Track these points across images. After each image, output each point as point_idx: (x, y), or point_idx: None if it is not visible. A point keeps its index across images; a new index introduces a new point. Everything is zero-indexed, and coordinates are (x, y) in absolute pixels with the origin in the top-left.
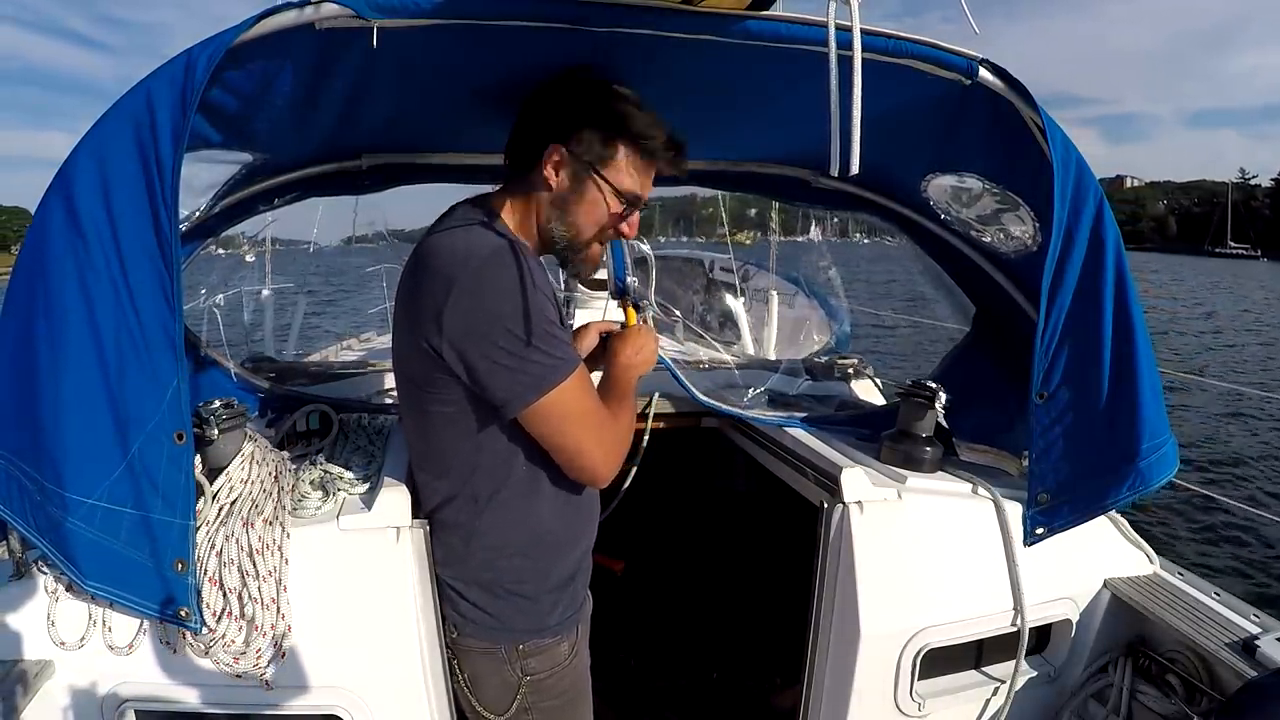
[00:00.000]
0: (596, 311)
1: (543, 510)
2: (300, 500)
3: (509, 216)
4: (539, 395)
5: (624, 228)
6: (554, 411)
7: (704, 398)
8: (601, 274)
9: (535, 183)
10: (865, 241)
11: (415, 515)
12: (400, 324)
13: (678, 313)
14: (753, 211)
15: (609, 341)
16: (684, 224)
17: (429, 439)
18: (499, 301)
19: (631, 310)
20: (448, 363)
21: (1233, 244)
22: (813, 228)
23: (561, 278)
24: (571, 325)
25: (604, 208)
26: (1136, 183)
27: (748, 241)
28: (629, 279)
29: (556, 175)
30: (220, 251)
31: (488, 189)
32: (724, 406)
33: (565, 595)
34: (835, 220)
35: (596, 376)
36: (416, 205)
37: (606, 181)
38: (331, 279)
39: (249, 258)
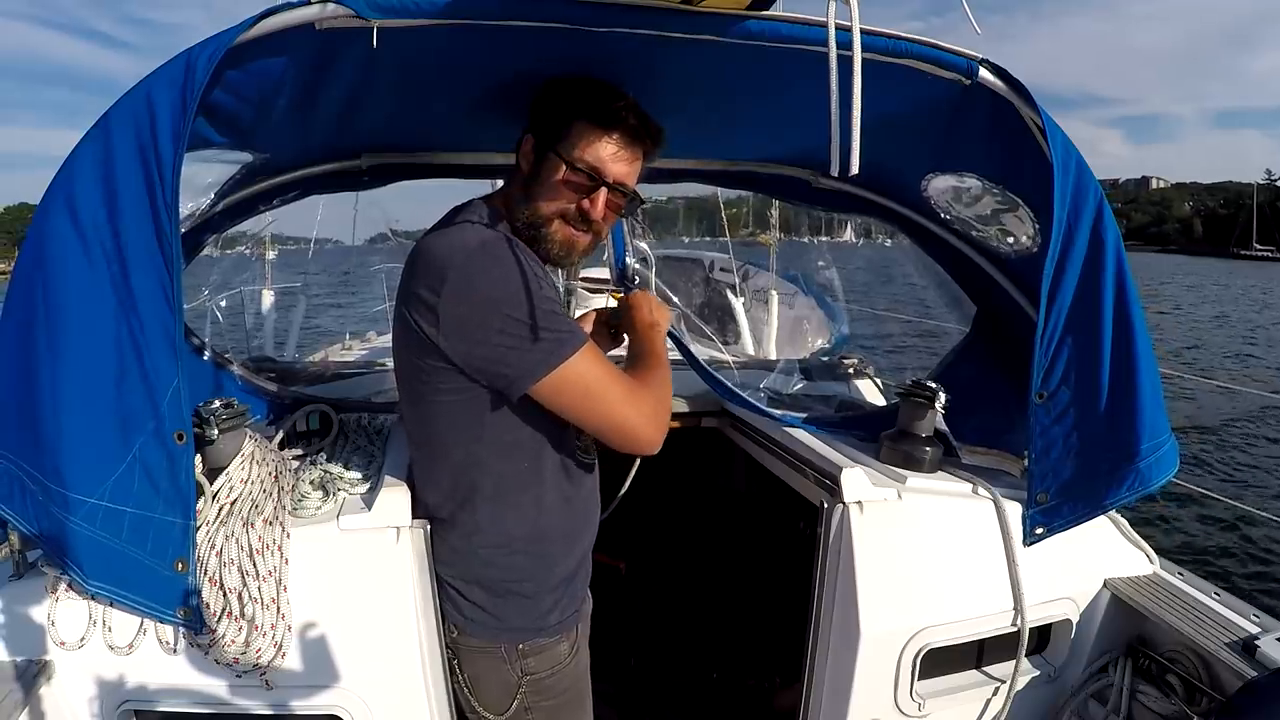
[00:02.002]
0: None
1: (543, 507)
2: (300, 500)
3: (503, 208)
4: (547, 371)
5: (585, 204)
6: (572, 385)
7: (710, 369)
8: (603, 273)
9: (517, 174)
10: (889, 243)
11: (415, 515)
12: (398, 320)
13: (677, 300)
14: (777, 212)
15: (622, 315)
16: (707, 224)
17: (429, 435)
18: (492, 288)
19: (618, 293)
20: (445, 354)
21: (1258, 246)
22: (848, 230)
23: (561, 276)
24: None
25: (561, 184)
26: (1163, 184)
27: (769, 242)
28: (629, 261)
29: (528, 161)
30: (243, 250)
31: (489, 188)
32: (727, 383)
33: (566, 594)
34: (859, 222)
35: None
36: (429, 206)
37: (561, 157)
38: (336, 277)
39: (270, 254)
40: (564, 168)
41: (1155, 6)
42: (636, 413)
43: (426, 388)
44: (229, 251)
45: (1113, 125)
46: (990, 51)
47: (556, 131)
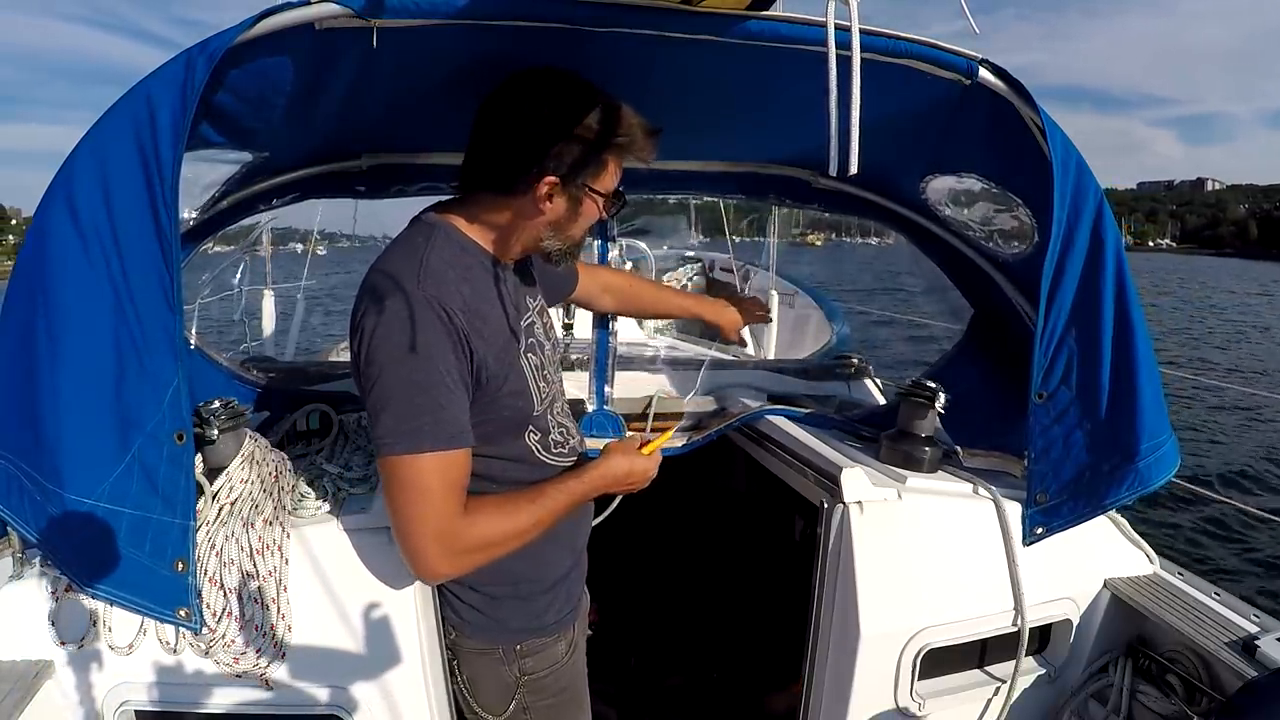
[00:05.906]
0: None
1: None
2: (300, 500)
3: (476, 233)
4: (399, 453)
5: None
6: (408, 479)
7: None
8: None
9: (523, 209)
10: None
11: None
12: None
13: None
14: (777, 213)
15: (606, 449)
16: (751, 221)
17: None
18: (394, 348)
19: (669, 433)
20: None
21: None
22: None
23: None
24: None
25: (596, 214)
26: (1218, 185)
27: (818, 242)
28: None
29: (550, 201)
30: (297, 248)
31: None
32: (747, 416)
33: (561, 594)
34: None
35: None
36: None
37: (598, 193)
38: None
39: (320, 251)
40: (599, 202)
41: (1211, 4)
42: (436, 540)
43: None
44: (281, 247)
45: (1167, 125)
46: (1043, 51)
47: (590, 172)
